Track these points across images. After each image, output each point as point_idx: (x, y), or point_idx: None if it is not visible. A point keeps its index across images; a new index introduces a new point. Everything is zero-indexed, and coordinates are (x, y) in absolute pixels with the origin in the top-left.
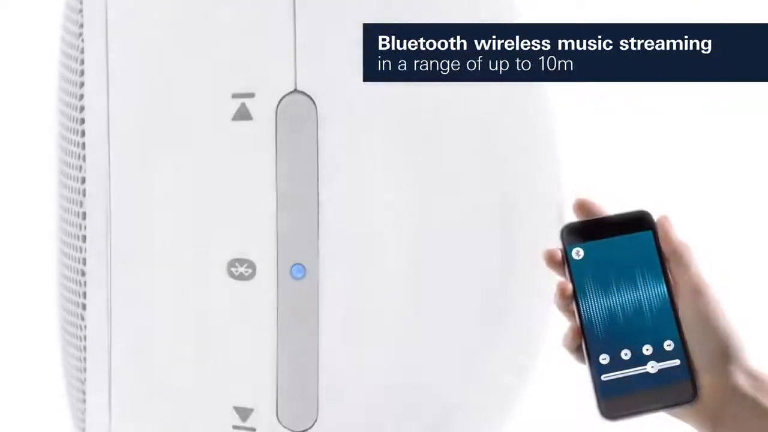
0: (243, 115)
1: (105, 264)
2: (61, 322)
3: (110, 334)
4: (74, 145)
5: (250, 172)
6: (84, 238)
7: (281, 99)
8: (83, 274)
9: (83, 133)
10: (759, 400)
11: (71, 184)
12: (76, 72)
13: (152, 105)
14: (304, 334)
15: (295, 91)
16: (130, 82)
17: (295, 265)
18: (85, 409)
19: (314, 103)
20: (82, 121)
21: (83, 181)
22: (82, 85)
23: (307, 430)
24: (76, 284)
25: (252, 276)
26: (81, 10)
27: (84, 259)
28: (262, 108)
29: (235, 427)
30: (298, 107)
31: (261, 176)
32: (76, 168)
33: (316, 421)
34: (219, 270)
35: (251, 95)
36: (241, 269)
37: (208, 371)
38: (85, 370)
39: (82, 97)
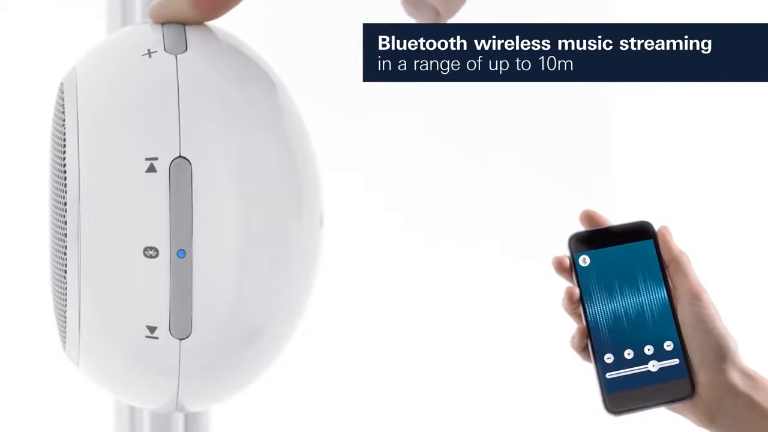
0: (151, 169)
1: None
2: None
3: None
4: (60, 176)
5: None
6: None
7: (172, 161)
8: (65, 190)
9: (65, 175)
10: (753, 397)
11: (59, 195)
12: (62, 140)
13: (98, 163)
14: (184, 288)
15: (180, 156)
16: (88, 149)
17: (179, 249)
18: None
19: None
20: (65, 171)
21: (65, 201)
22: (64, 152)
23: (185, 338)
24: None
25: (156, 256)
26: (63, 104)
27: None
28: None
29: (147, 336)
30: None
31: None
32: (62, 191)
33: (191, 333)
34: (138, 252)
35: (156, 158)
36: (150, 252)
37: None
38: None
39: (64, 157)
